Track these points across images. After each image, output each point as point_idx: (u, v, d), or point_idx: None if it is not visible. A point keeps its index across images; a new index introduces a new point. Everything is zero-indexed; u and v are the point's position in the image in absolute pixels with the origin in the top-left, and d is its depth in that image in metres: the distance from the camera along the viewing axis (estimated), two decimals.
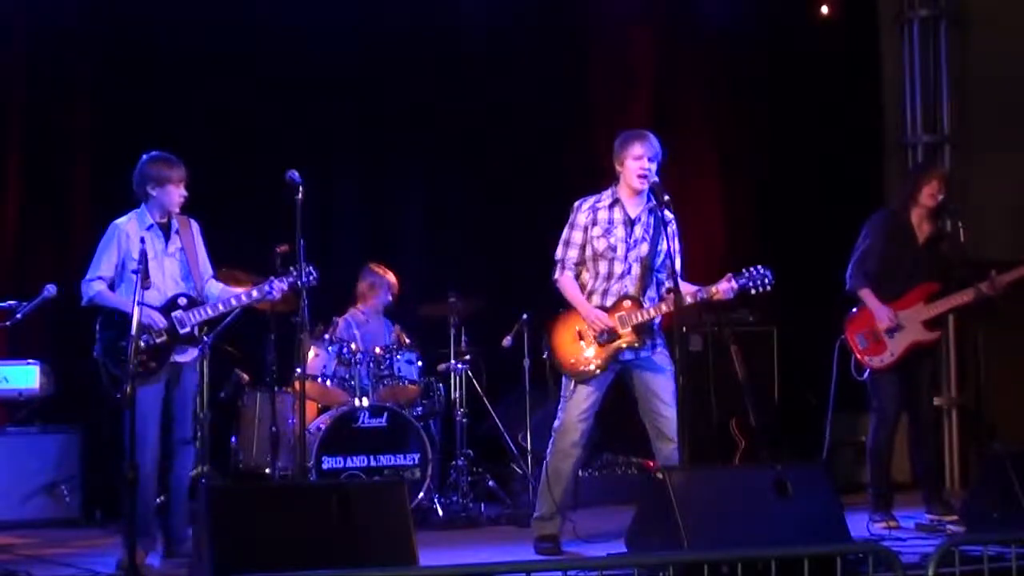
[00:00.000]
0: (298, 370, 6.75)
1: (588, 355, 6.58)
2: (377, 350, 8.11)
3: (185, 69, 8.64)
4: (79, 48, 8.61)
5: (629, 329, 6.54)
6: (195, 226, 6.75)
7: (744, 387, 7.88)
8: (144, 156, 6.64)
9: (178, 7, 8.57)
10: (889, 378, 7.30)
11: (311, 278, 6.65)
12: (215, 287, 6.76)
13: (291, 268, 6.56)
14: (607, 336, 6.54)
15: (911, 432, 7.48)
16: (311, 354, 7.82)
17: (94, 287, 6.53)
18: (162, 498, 6.73)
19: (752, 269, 6.62)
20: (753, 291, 6.61)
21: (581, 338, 6.60)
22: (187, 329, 6.53)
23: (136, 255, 6.24)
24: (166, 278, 6.56)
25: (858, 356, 7.33)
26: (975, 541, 5.53)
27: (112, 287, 6.53)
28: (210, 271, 6.80)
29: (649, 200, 6.64)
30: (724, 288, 6.56)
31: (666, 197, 6.47)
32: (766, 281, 6.60)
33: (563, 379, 6.69)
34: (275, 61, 8.94)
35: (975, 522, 6.60)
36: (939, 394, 9.08)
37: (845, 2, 10.02)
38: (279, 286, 6.58)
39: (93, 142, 8.59)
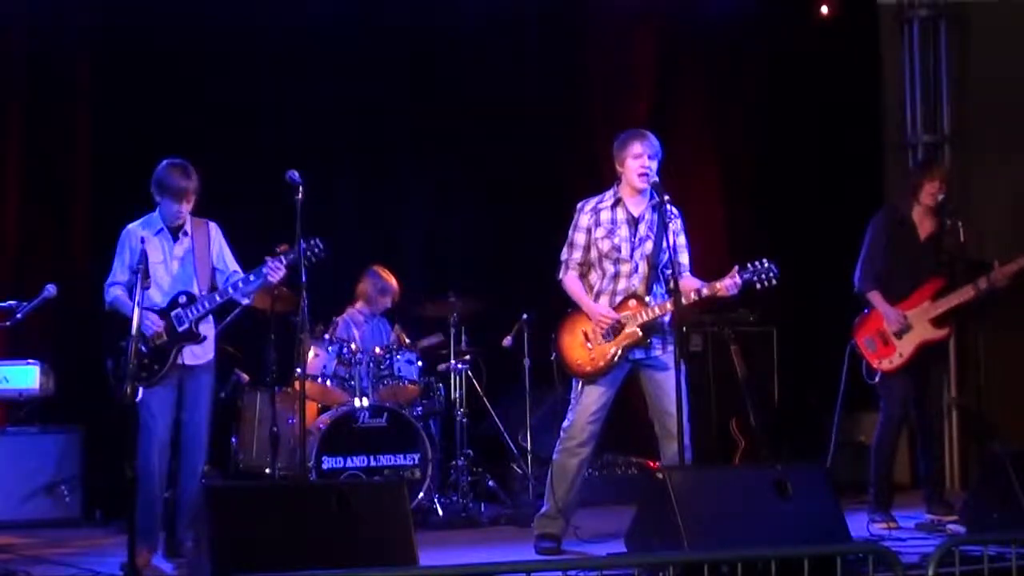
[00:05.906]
0: (298, 370, 6.76)
1: (595, 355, 6.55)
2: (377, 350, 8.11)
3: (184, 69, 8.64)
4: (79, 48, 8.61)
5: (635, 328, 6.49)
6: (212, 228, 6.72)
7: (744, 387, 7.88)
8: (164, 161, 6.59)
9: (178, 7, 8.56)
10: (898, 379, 7.29)
11: (318, 250, 6.54)
12: None
13: (289, 247, 6.45)
14: (612, 331, 6.50)
15: (920, 431, 7.47)
16: (311, 354, 7.82)
17: (112, 292, 6.57)
18: (168, 494, 6.73)
19: (757, 263, 6.44)
20: (758, 285, 6.43)
21: (587, 339, 6.57)
22: (185, 326, 6.52)
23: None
24: (173, 280, 6.57)
25: (868, 360, 7.32)
26: (975, 541, 5.53)
27: (132, 290, 6.44)
28: (237, 271, 6.72)
29: (652, 198, 6.58)
30: (728, 284, 6.37)
31: (666, 197, 6.46)
32: (771, 275, 6.41)
33: (573, 381, 6.66)
34: (275, 61, 8.95)
35: (975, 522, 6.59)
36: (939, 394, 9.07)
37: (845, 2, 10.02)
38: (274, 264, 6.45)
39: (93, 142, 8.60)
